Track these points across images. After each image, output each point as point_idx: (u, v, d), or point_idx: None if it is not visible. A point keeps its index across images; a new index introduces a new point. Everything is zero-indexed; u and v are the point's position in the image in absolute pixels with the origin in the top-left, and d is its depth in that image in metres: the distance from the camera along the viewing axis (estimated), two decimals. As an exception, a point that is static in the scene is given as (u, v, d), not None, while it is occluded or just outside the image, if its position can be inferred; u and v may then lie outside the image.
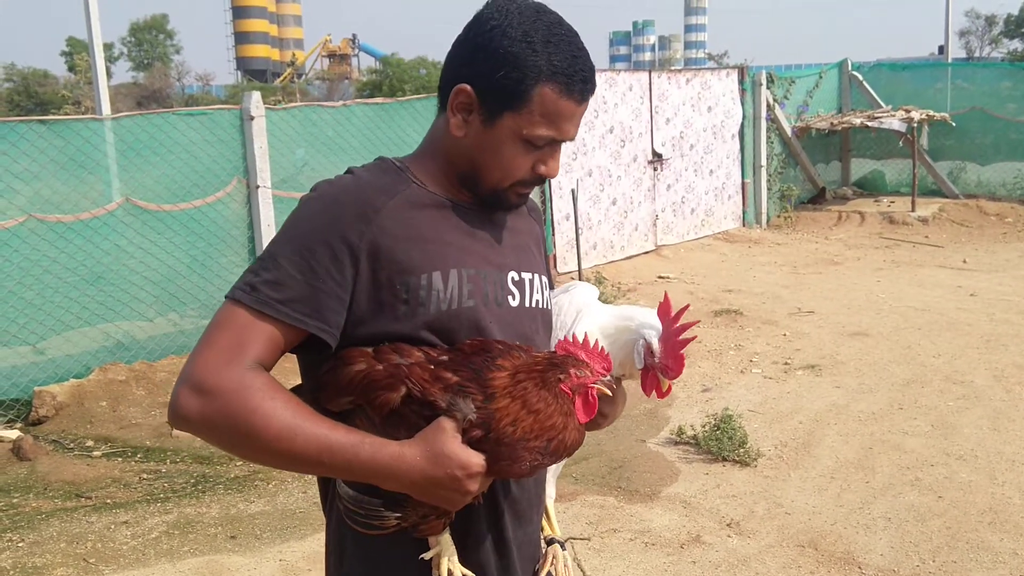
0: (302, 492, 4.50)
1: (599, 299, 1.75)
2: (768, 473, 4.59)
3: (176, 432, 5.49)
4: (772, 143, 12.83)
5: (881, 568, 3.57)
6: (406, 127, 7.95)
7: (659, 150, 10.65)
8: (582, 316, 1.64)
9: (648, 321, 1.54)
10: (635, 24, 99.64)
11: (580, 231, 9.14)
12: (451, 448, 1.27)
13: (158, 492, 4.63)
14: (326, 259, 1.34)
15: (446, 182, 1.48)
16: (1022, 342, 6.68)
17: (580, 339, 1.42)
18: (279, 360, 1.36)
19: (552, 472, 1.70)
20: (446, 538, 1.40)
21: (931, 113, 12.88)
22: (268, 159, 6.82)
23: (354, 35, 77.22)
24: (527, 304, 1.50)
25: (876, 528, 3.91)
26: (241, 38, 79.36)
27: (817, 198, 13.84)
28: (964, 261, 10.30)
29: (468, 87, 1.41)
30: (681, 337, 1.50)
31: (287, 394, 1.31)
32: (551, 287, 1.65)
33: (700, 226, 11.60)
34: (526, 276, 1.51)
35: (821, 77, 13.96)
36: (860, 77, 14.26)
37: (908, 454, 4.71)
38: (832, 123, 13.05)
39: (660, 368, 1.53)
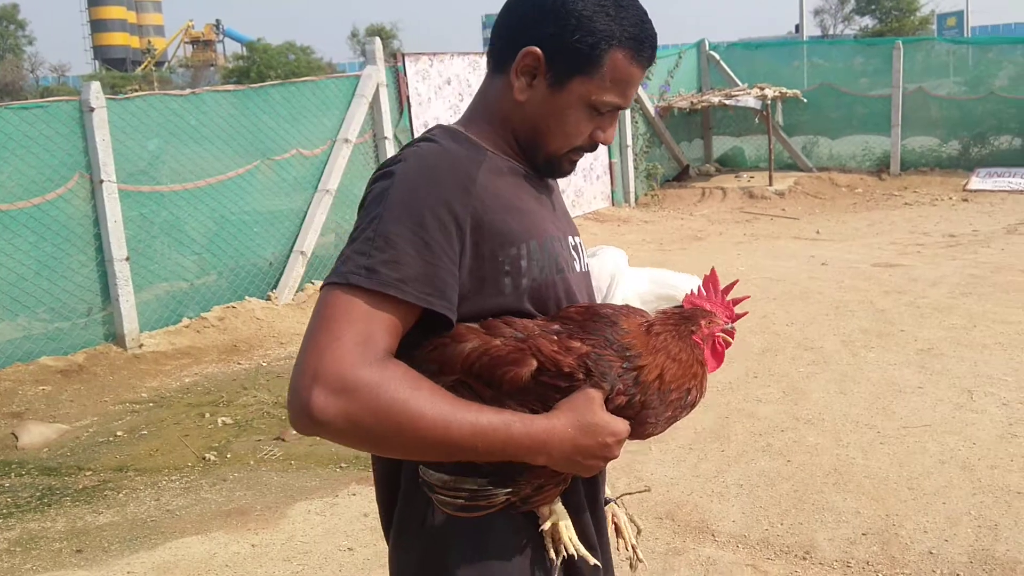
0: (154, 500, 4.32)
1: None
2: (631, 448, 4.64)
3: (22, 443, 5.20)
4: (637, 123, 13.09)
5: (733, 534, 3.68)
6: (260, 114, 7.73)
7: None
8: (617, 281, 1.65)
9: (694, 289, 1.48)
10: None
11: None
12: (601, 417, 1.28)
13: (0, 507, 4.36)
14: (437, 232, 1.27)
15: (508, 149, 1.44)
16: (867, 307, 7.03)
17: (634, 303, 1.44)
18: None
19: None
20: (559, 507, 1.39)
21: (784, 90, 13.39)
22: (111, 152, 6.50)
23: (218, 20, 74.68)
24: (583, 268, 1.51)
25: (729, 495, 4.03)
26: (98, 26, 75.63)
27: (682, 175, 14.22)
28: (817, 232, 10.77)
29: (538, 50, 1.37)
30: (735, 309, 1.45)
31: (428, 381, 1.26)
32: None
33: (571, 207, 11.72)
34: (578, 241, 1.52)
35: (680, 58, 14.30)
36: (717, 57, 14.69)
37: (761, 421, 4.88)
38: (692, 102, 13.41)
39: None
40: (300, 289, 8.01)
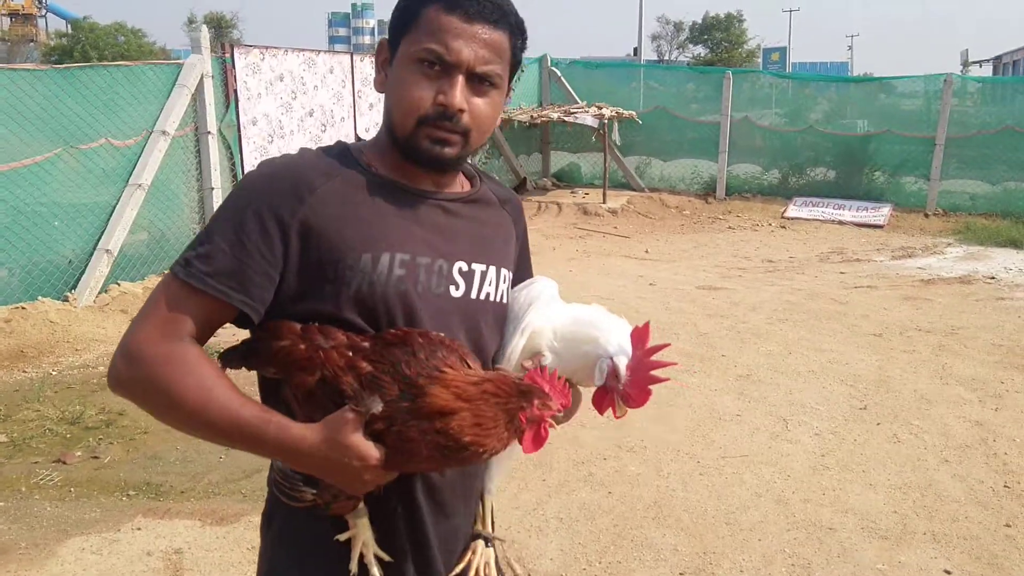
0: (-103, 536, 3.73)
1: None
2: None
3: None
4: (475, 133, 12.95)
5: (550, 573, 3.53)
6: (65, 97, 7.04)
7: (364, 137, 10.33)
8: (533, 309, 1.56)
9: (619, 342, 1.45)
10: (354, 6, 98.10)
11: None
12: (350, 439, 1.30)
13: None
14: (256, 234, 1.35)
15: (398, 160, 1.48)
16: (691, 330, 7.14)
17: (528, 332, 1.49)
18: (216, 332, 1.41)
19: (497, 467, 1.62)
20: (363, 521, 1.42)
21: (620, 111, 13.63)
22: None
23: (40, -8, 69.52)
24: (473, 295, 1.50)
25: (548, 530, 3.88)
26: (-98, -10, 69.00)
27: (519, 188, 14.21)
28: (647, 251, 10.97)
29: (385, 39, 1.48)
30: (653, 372, 1.42)
31: (212, 369, 1.34)
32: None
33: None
34: (478, 267, 1.50)
35: (523, 71, 14.30)
36: (559, 73, 14.81)
37: (584, 448, 4.78)
38: (532, 116, 13.42)
39: (622, 395, 1.45)
40: (103, 290, 7.35)
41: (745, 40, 54.38)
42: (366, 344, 1.36)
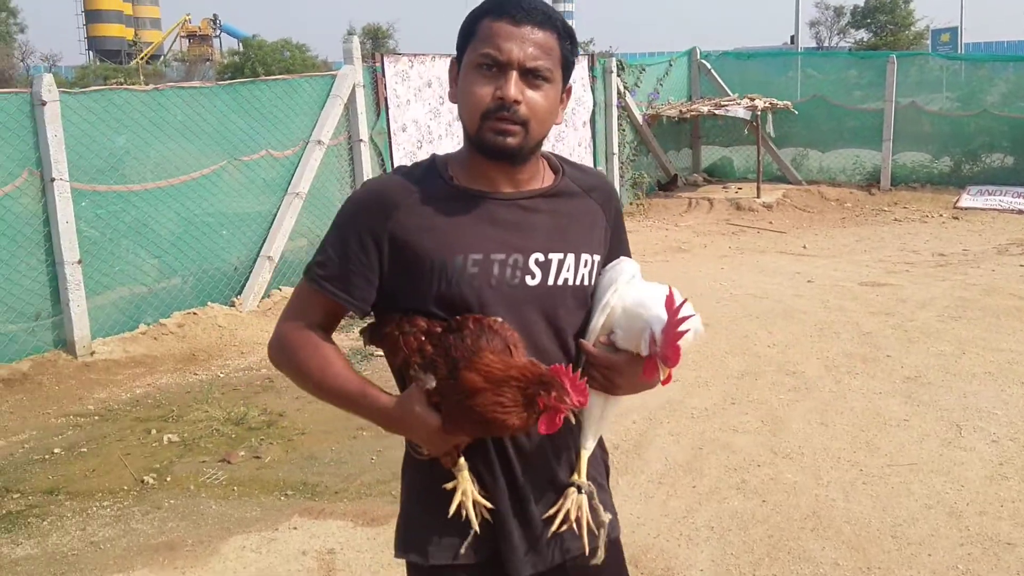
0: (80, 530, 4.00)
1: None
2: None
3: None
4: (624, 131, 12.81)
5: (700, 585, 3.40)
6: (228, 112, 7.40)
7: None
8: (612, 289, 1.74)
9: (657, 312, 1.62)
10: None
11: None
12: (413, 408, 1.60)
13: (-86, 534, 4.04)
14: (356, 246, 1.66)
15: (477, 167, 1.69)
16: (852, 329, 6.76)
17: (607, 311, 1.71)
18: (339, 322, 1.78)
19: (592, 426, 1.79)
20: (464, 475, 1.67)
21: (774, 101, 13.14)
22: (63, 148, 6.17)
23: (215, 15, 74.10)
24: (550, 283, 1.69)
25: (699, 539, 3.74)
26: (92, 16, 75.24)
27: (669, 184, 13.95)
28: (804, 247, 10.51)
29: (453, 57, 1.70)
30: (678, 329, 1.57)
31: (331, 350, 1.71)
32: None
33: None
34: (555, 256, 1.69)
35: (671, 65, 14.05)
36: (708, 65, 14.44)
37: (736, 454, 4.59)
38: (681, 111, 13.15)
39: (660, 356, 1.61)
40: (266, 295, 7.70)
41: (912, 22, 51.40)
42: (438, 330, 1.61)
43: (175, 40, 73.12)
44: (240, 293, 7.50)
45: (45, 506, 4.26)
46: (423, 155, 9.14)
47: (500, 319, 1.61)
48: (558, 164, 1.79)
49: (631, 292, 1.72)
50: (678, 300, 1.60)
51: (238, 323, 7.21)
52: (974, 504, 3.94)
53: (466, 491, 1.67)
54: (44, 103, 6.05)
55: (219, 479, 4.53)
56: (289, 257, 7.92)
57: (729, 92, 13.96)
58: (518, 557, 1.71)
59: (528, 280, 1.67)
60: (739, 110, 12.64)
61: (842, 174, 13.99)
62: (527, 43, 1.60)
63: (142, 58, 63.88)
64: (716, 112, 12.85)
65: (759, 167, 13.21)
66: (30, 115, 6.06)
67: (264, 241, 7.71)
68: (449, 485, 1.68)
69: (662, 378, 1.63)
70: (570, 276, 1.71)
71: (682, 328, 1.57)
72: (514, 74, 1.59)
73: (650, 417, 5.12)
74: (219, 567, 3.62)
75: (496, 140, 1.61)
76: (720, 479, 4.32)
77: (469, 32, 1.64)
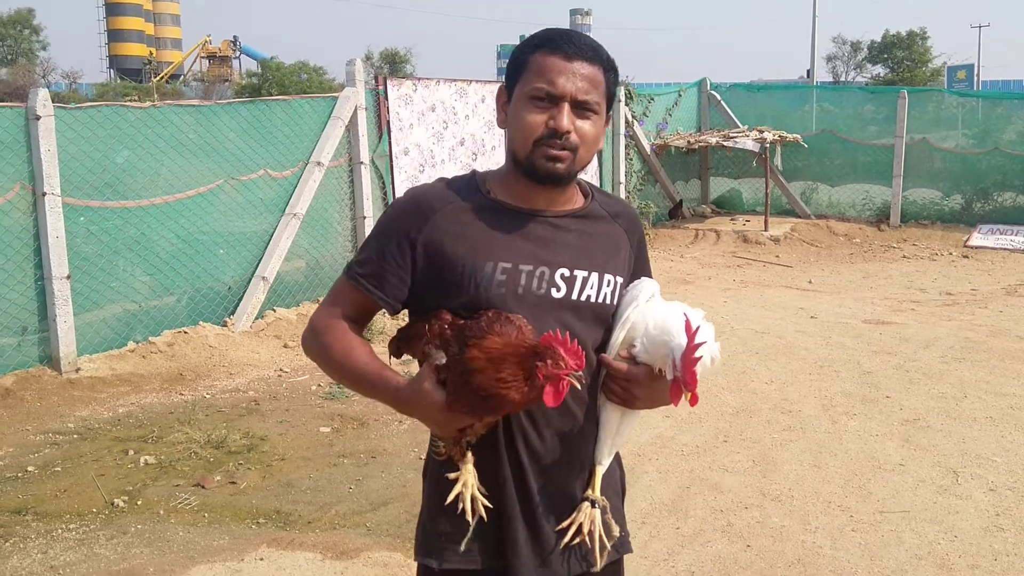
0: (42, 553, 3.87)
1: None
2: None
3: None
4: (631, 160, 12.75)
5: (674, 633, 3.25)
6: (227, 131, 7.36)
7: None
8: (633, 306, 1.81)
9: (680, 341, 1.70)
10: (522, 37, 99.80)
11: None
12: (423, 385, 1.69)
13: None
14: (393, 247, 1.77)
15: (515, 184, 1.81)
16: (853, 368, 6.61)
17: (627, 327, 1.80)
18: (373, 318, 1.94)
19: (607, 440, 1.85)
20: (467, 467, 1.75)
21: (784, 134, 13.03)
22: (57, 163, 6.13)
23: (235, 37, 74.92)
24: (574, 297, 1.78)
25: (677, 584, 3.60)
26: (114, 36, 76.35)
27: (675, 211, 13.84)
28: (810, 282, 10.37)
29: (503, 85, 1.84)
30: (694, 356, 1.66)
31: (355, 338, 1.84)
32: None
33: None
34: (580, 273, 1.79)
35: (680, 95, 13.99)
36: (719, 97, 14.37)
37: (724, 494, 4.45)
38: (689, 141, 13.07)
39: (681, 381, 1.69)
40: (259, 316, 7.60)
41: (929, 59, 51.42)
42: (461, 321, 1.71)
43: (195, 60, 73.95)
44: (233, 313, 7.41)
45: (10, 526, 4.15)
46: (425, 179, 9.10)
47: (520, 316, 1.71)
48: (588, 189, 1.92)
49: (653, 311, 1.80)
50: (695, 325, 1.69)
51: (229, 344, 7.12)
52: (967, 556, 3.78)
53: (467, 483, 1.74)
54: (39, 117, 6.01)
55: (191, 504, 4.41)
56: (285, 278, 7.85)
57: (739, 124, 13.87)
58: (527, 569, 1.77)
59: (553, 292, 1.77)
60: (748, 142, 12.55)
61: (851, 209, 13.85)
62: (577, 77, 1.72)
63: (162, 77, 64.57)
64: (724, 144, 12.76)
65: (767, 200, 13.09)
66: (24, 129, 6.02)
67: (260, 261, 7.63)
68: (452, 475, 1.76)
69: (687, 401, 1.70)
70: (593, 293, 1.80)
71: (697, 355, 1.66)
72: (566, 106, 1.72)
73: (639, 453, 4.98)
74: (177, 598, 3.50)
75: (547, 166, 1.73)
76: (705, 520, 4.17)
77: (520, 63, 1.76)
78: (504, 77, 1.83)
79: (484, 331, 1.64)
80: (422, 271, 1.77)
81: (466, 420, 1.68)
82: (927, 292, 9.69)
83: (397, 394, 1.73)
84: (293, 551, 3.89)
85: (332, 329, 1.83)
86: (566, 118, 1.71)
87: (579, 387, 1.64)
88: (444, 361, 1.66)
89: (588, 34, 1.89)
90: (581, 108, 1.73)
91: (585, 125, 1.74)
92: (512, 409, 1.67)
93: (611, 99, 1.81)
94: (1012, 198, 12.95)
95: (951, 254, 11.93)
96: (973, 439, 5.15)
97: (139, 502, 4.44)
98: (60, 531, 4.11)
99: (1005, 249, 11.97)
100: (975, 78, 43.62)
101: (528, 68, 1.74)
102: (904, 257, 11.89)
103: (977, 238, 12.40)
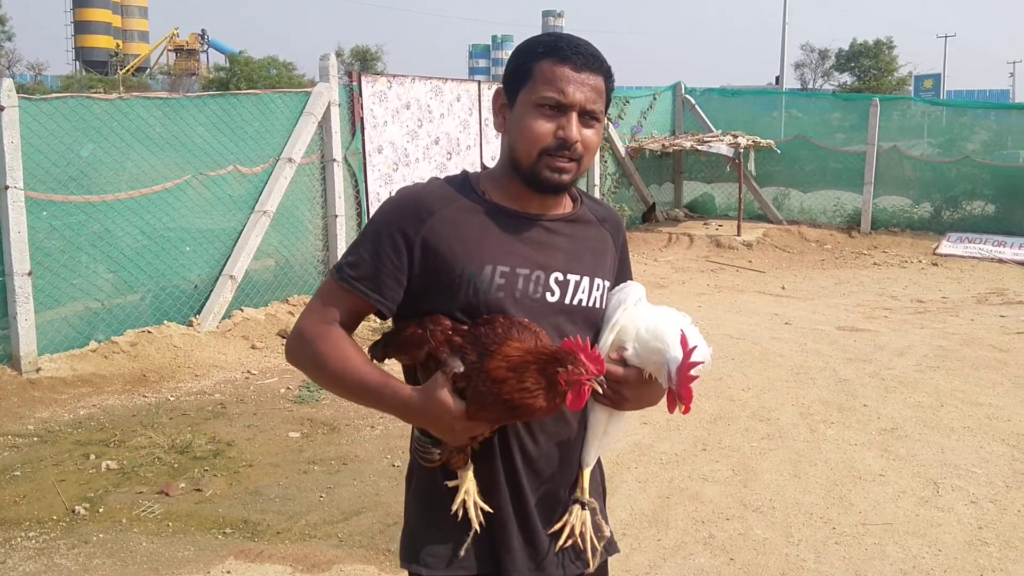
0: (-5, 563, 3.71)
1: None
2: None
3: None
4: (606, 162, 12.68)
5: (659, 651, 3.16)
6: (196, 125, 7.16)
7: (489, 165, 10.19)
8: (621, 310, 1.82)
9: (675, 353, 1.70)
10: (494, 38, 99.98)
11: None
12: (439, 394, 1.63)
13: None
14: (388, 247, 1.72)
15: (510, 187, 1.79)
16: (829, 375, 6.58)
17: (616, 330, 1.79)
18: (362, 322, 1.83)
19: (594, 441, 1.85)
20: (468, 475, 1.72)
21: (757, 139, 13.06)
22: (20, 156, 5.91)
23: (203, 30, 74.01)
24: (567, 301, 1.78)
25: (660, 599, 3.50)
26: (81, 28, 75.21)
27: (648, 215, 13.80)
28: (783, 287, 10.37)
29: (500, 88, 1.82)
30: (690, 372, 1.67)
31: (350, 345, 1.74)
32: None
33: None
34: (572, 277, 1.79)
35: (655, 99, 13.95)
36: (693, 101, 14.36)
37: (705, 505, 4.37)
38: (664, 145, 13.04)
39: (676, 395, 1.70)
40: (227, 316, 7.41)
41: (895, 68, 52.01)
42: (465, 327, 1.67)
43: (162, 53, 72.92)
44: (199, 312, 7.21)
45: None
46: (399, 178, 8.97)
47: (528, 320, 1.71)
48: (576, 194, 1.92)
49: (643, 315, 1.81)
50: (692, 342, 1.70)
51: (195, 344, 6.92)
52: (952, 571, 3.72)
53: (468, 490, 1.73)
54: (2, 108, 5.80)
55: (155, 512, 4.24)
56: (253, 277, 7.66)
57: (713, 128, 13.87)
58: (522, 574, 1.76)
59: (548, 296, 1.77)
60: (722, 147, 12.54)
61: (823, 215, 13.91)
62: (585, 87, 1.73)
63: (128, 70, 63.61)
64: (698, 148, 12.74)
65: (740, 205, 13.10)
66: (-15, 119, 5.80)
67: (228, 259, 7.44)
68: (452, 483, 1.74)
69: (681, 411, 1.72)
70: (584, 297, 1.81)
71: (694, 372, 1.68)
72: (575, 115, 1.72)
73: (617, 461, 4.88)
74: (140, 614, 3.34)
75: (552, 177, 1.74)
76: (687, 532, 4.08)
77: (526, 70, 1.74)
78: (503, 82, 1.81)
79: (502, 338, 1.62)
80: (419, 272, 1.74)
81: (483, 428, 1.66)
82: (899, 299, 9.72)
83: (406, 405, 1.68)
84: (261, 563, 3.75)
85: (325, 336, 1.75)
86: (575, 128, 1.72)
87: (600, 391, 1.62)
88: (462, 370, 1.62)
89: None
90: (588, 116, 1.74)
91: (589, 133, 1.75)
92: (537, 417, 1.66)
93: (608, 104, 1.83)
94: (981, 207, 13.07)
95: (921, 261, 12.00)
96: (952, 449, 5.12)
97: (101, 509, 4.27)
98: (19, 539, 3.93)
99: (974, 257, 12.07)
100: (941, 87, 44.23)
101: (535, 76, 1.73)
102: (875, 264, 11.93)
103: (946, 246, 12.49)
